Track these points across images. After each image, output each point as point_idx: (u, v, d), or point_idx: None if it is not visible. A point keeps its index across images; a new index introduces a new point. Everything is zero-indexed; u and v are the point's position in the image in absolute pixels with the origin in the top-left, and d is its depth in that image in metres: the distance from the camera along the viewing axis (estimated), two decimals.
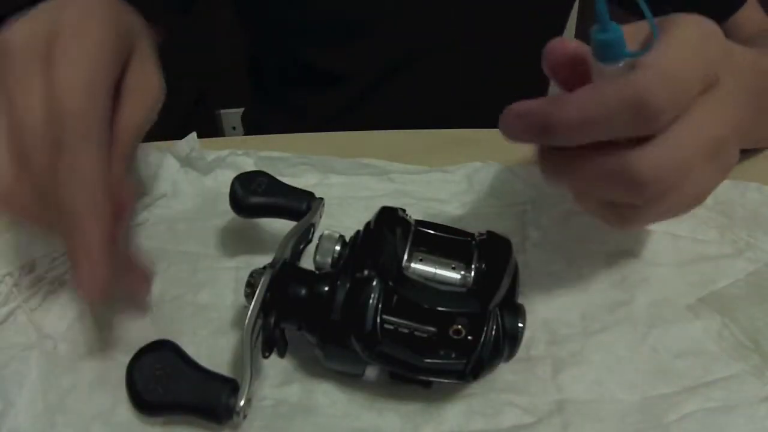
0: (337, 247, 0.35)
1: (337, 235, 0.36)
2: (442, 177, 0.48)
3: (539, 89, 0.80)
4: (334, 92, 0.69)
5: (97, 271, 0.29)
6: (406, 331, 0.31)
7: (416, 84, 0.68)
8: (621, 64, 0.27)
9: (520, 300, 0.34)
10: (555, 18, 0.73)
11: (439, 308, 0.31)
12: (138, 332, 0.37)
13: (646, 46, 0.27)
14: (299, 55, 0.68)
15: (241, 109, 0.87)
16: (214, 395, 0.32)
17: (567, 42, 0.30)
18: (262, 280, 0.33)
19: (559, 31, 0.76)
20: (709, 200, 0.46)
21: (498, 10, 0.65)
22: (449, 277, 0.33)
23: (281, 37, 0.68)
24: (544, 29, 0.72)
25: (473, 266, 0.33)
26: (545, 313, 0.39)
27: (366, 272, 0.32)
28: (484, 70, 0.69)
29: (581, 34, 1.23)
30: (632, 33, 0.30)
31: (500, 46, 0.68)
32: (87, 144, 0.30)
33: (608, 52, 0.27)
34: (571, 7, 0.74)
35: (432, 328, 0.31)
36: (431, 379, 0.34)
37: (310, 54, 0.67)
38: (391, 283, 0.32)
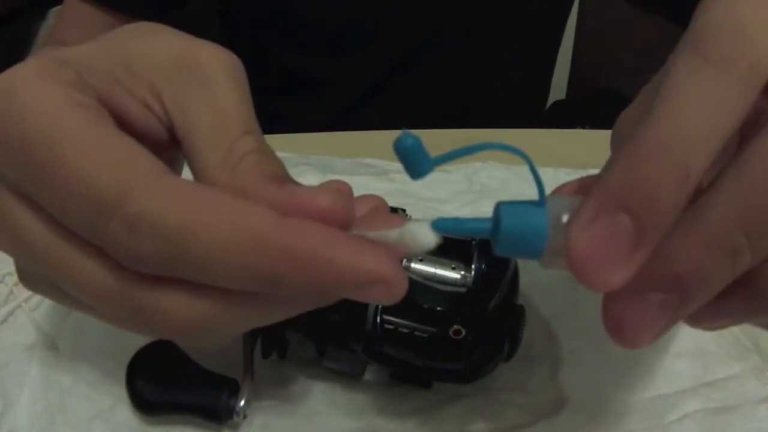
0: None
1: None
2: (442, 177, 0.48)
3: (538, 90, 0.80)
4: (326, 100, 0.69)
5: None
6: (406, 331, 0.31)
7: (414, 88, 0.68)
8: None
9: (520, 300, 0.34)
10: (553, 19, 0.73)
11: (439, 308, 0.31)
12: None
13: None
14: (289, 63, 0.67)
15: None
16: (214, 395, 0.32)
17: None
18: None
19: (557, 32, 0.76)
20: None
21: (496, 12, 0.65)
22: (449, 277, 0.33)
23: (270, 47, 0.67)
24: (542, 30, 0.72)
25: (473, 266, 0.33)
26: (545, 313, 0.39)
27: None
28: (484, 71, 0.69)
29: (580, 34, 1.23)
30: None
31: (499, 48, 0.68)
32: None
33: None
34: (570, 7, 0.74)
35: (432, 328, 0.31)
36: (431, 379, 0.34)
37: (301, 62, 0.67)
38: None
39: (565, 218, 0.20)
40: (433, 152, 0.19)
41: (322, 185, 0.25)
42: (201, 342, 0.21)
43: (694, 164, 0.18)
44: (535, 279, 0.41)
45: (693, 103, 0.18)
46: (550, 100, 0.89)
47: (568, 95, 1.30)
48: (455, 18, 0.65)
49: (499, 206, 0.20)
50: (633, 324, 0.20)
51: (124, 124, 0.21)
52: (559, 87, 1.27)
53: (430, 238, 0.20)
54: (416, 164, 0.19)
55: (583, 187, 0.22)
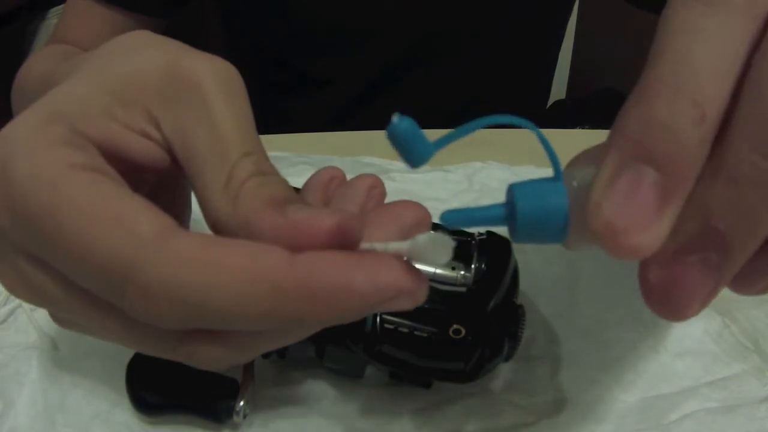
0: None
1: None
2: (442, 176, 0.48)
3: (538, 90, 0.80)
4: (325, 99, 0.69)
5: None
6: (406, 331, 0.31)
7: (414, 88, 0.68)
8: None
9: (520, 300, 0.34)
10: (554, 19, 0.73)
11: (439, 308, 0.31)
12: None
13: None
14: (289, 62, 0.67)
15: None
16: (214, 395, 0.32)
17: None
18: None
19: (558, 32, 0.76)
20: None
21: (497, 12, 0.65)
22: (449, 277, 0.33)
23: (271, 47, 0.67)
24: (542, 31, 0.72)
25: (473, 266, 0.33)
26: (545, 313, 0.39)
27: None
28: (484, 71, 0.69)
29: (580, 34, 1.23)
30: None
31: (499, 48, 0.68)
32: None
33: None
34: (570, 7, 0.74)
35: (432, 328, 0.31)
36: (431, 379, 0.34)
37: (301, 61, 0.67)
38: None
39: (581, 183, 0.18)
40: (436, 154, 0.18)
41: (315, 175, 0.24)
42: (233, 365, 0.21)
43: (708, 102, 0.17)
44: (535, 279, 0.41)
45: (696, 40, 0.18)
46: (550, 100, 0.89)
47: (568, 95, 1.30)
48: (455, 18, 0.65)
49: (512, 188, 0.18)
50: (676, 293, 0.18)
51: (125, 159, 0.21)
52: (559, 87, 1.27)
53: (442, 253, 0.18)
54: (414, 150, 0.17)
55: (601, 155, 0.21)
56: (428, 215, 0.21)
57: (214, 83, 0.21)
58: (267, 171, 0.20)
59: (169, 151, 0.22)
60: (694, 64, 0.18)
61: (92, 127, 0.20)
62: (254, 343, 0.20)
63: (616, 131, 0.18)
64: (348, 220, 0.18)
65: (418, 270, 0.18)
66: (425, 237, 0.18)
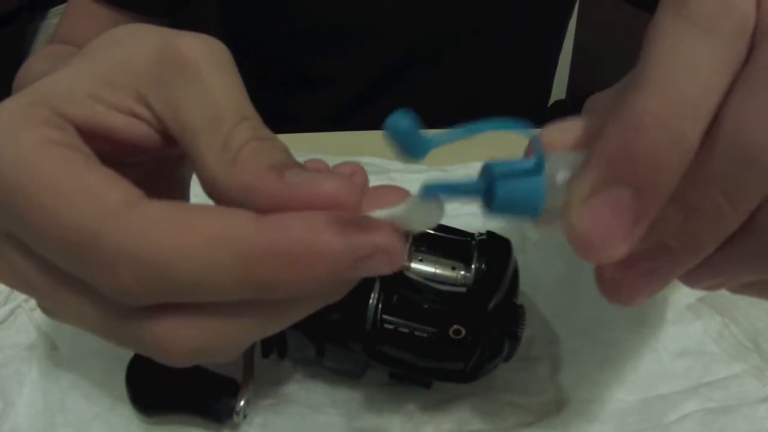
0: None
1: None
2: (442, 176, 0.48)
3: (539, 91, 0.80)
4: (325, 99, 0.69)
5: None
6: (406, 331, 0.31)
7: (414, 87, 0.68)
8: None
9: (520, 300, 0.34)
10: (554, 20, 0.73)
11: (439, 308, 0.31)
12: None
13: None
14: (290, 61, 0.67)
15: None
16: (214, 395, 0.32)
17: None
18: None
19: (559, 32, 0.76)
20: None
21: (497, 12, 0.65)
22: (449, 277, 0.33)
23: (271, 46, 0.67)
24: (543, 31, 0.72)
25: (473, 266, 0.33)
26: (545, 313, 0.39)
27: None
28: (485, 71, 0.69)
29: (580, 34, 1.23)
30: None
31: (500, 48, 0.68)
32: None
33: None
34: (571, 8, 0.74)
35: (432, 328, 0.31)
36: (431, 379, 0.34)
37: (301, 61, 0.67)
38: (391, 283, 0.32)
39: (560, 176, 0.19)
40: (432, 151, 0.18)
41: (335, 167, 0.25)
42: (214, 360, 0.20)
43: (691, 131, 0.18)
44: (535, 279, 0.41)
45: (684, 68, 0.18)
46: (551, 100, 0.89)
47: (568, 95, 1.30)
48: (455, 18, 0.65)
49: (489, 168, 0.19)
50: (628, 289, 0.21)
51: (111, 139, 0.21)
52: (559, 87, 1.27)
53: (435, 214, 0.19)
54: (412, 146, 0.18)
55: (565, 133, 0.22)
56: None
57: (203, 58, 0.21)
58: (265, 136, 0.20)
59: (161, 130, 0.21)
60: (681, 96, 0.18)
61: (74, 109, 0.20)
62: (229, 323, 0.19)
63: (599, 149, 0.19)
64: (347, 183, 0.18)
65: (395, 227, 0.18)
66: (414, 199, 0.18)
